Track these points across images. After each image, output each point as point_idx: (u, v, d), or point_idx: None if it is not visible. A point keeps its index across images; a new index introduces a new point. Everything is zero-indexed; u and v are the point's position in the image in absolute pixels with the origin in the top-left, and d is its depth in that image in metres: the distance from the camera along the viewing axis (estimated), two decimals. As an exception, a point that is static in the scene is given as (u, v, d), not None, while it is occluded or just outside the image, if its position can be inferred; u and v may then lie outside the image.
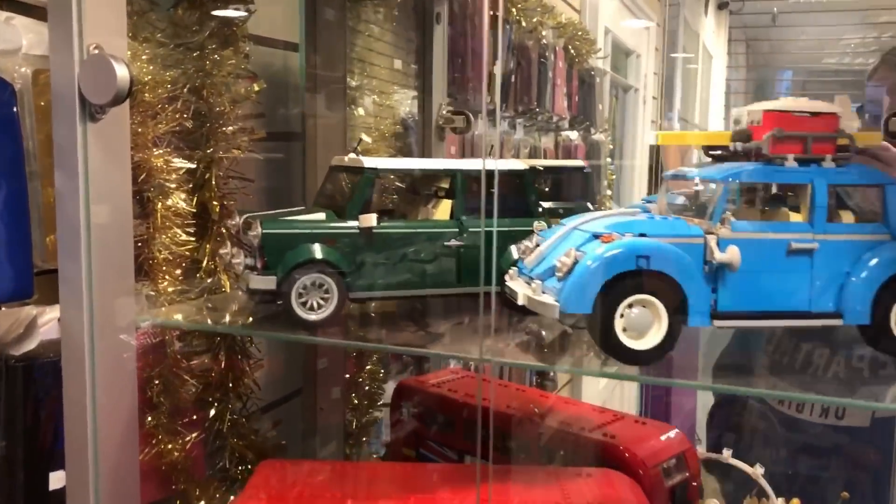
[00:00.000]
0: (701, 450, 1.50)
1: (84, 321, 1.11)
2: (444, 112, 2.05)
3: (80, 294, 1.10)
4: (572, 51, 3.47)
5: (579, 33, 3.54)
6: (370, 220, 1.17)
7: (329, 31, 1.74)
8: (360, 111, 1.85)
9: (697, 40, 5.11)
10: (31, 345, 1.19)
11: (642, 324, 1.00)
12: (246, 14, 1.46)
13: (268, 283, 1.14)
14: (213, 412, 1.48)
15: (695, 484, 1.43)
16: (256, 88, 1.46)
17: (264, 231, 1.14)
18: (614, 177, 4.12)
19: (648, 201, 1.74)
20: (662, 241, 1.01)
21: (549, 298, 1.01)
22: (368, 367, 1.96)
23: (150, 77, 1.27)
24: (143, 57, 1.26)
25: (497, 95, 1.88)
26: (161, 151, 1.30)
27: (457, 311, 1.28)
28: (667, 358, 1.02)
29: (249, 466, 1.55)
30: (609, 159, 4.01)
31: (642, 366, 1.02)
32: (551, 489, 1.24)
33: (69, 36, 1.06)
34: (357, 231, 1.18)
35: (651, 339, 1.00)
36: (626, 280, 0.98)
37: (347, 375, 1.89)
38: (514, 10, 2.84)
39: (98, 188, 1.10)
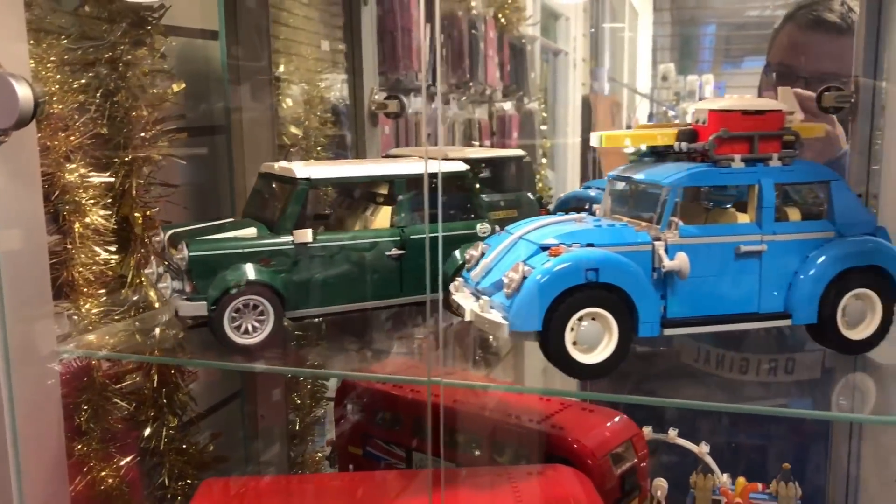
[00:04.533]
0: (647, 431, 1.49)
1: (-4, 355, 1.04)
2: (377, 97, 1.97)
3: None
4: (502, 19, 3.42)
5: (509, 1, 3.48)
6: (305, 235, 1.11)
7: (250, 16, 1.65)
8: (289, 101, 1.76)
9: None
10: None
11: (593, 337, 0.97)
12: (159, 1, 1.36)
13: (198, 309, 1.07)
14: (147, 431, 1.42)
15: (643, 465, 1.43)
16: (175, 89, 1.37)
17: (192, 254, 1.07)
18: (549, 144, 4.10)
19: (589, 187, 1.71)
20: (611, 251, 0.98)
21: (496, 316, 0.97)
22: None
23: (57, 86, 1.17)
24: (49, 64, 1.16)
25: (438, 74, 1.79)
26: (74, 165, 1.22)
27: (400, 321, 1.23)
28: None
29: (189, 482, 1.49)
30: (543, 126, 3.99)
31: (594, 380, 0.99)
32: (502, 490, 1.22)
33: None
34: (292, 247, 1.12)
35: (602, 352, 0.97)
36: (575, 294, 0.95)
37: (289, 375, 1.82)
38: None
39: (6, 213, 1.02)
